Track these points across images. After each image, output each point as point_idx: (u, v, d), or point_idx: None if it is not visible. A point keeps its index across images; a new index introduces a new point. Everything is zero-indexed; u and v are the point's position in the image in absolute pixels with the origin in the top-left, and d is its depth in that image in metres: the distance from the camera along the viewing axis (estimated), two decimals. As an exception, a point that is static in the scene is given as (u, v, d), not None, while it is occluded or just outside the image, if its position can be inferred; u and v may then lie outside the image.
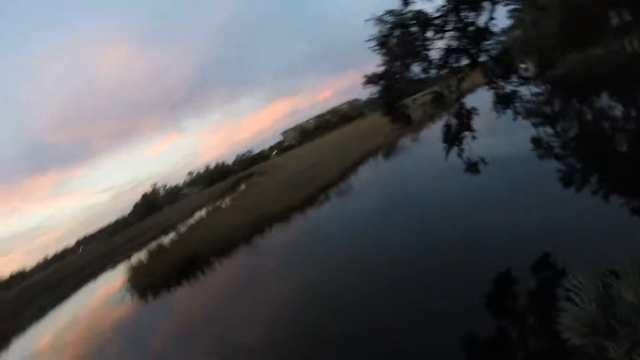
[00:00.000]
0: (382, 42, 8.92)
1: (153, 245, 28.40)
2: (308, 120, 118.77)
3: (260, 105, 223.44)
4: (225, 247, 18.07)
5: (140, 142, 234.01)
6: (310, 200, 20.31)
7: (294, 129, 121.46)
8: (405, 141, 28.26)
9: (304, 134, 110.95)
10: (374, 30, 8.82)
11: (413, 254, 8.71)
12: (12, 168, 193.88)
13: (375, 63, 9.38)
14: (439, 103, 9.89)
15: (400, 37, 8.68)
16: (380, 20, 8.72)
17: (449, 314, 5.89)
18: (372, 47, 9.04)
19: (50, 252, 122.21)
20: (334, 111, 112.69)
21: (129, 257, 34.67)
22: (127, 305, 17.18)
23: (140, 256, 24.91)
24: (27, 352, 19.60)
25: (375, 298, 7.51)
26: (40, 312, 29.58)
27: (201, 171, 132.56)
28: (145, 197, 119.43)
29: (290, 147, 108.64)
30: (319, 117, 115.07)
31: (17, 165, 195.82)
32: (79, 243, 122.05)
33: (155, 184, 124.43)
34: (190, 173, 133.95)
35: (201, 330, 10.26)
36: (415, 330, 5.95)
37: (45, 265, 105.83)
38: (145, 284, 18.12)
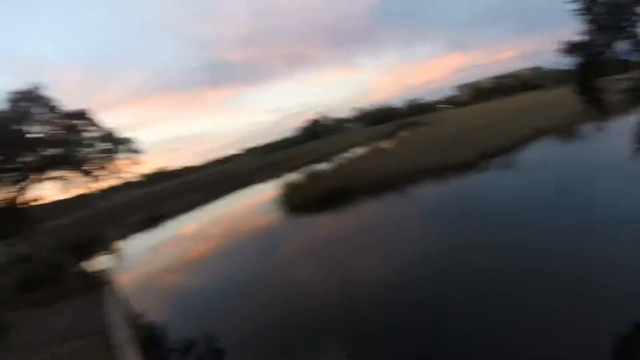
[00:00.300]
0: (588, 6, 7.54)
1: (306, 169, 31.15)
2: (485, 79, 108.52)
3: (437, 53, 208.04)
4: (372, 188, 18.81)
5: (313, 69, 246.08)
6: (470, 164, 19.00)
7: (469, 85, 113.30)
8: (591, 129, 22.30)
9: (479, 93, 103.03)
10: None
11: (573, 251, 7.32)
12: (193, 79, 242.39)
13: (572, 30, 8.05)
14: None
15: (612, 4, 7.15)
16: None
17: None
18: (573, 10, 7.75)
19: (214, 156, 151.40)
20: (513, 75, 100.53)
21: (281, 175, 39.03)
22: (269, 217, 19.86)
23: (291, 177, 27.94)
24: (172, 234, 24.90)
25: (513, 280, 6.79)
26: (188, 205, 36.25)
27: (366, 109, 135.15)
28: (308, 123, 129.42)
29: (462, 104, 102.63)
30: (497, 79, 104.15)
31: (198, 76, 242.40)
32: (239, 154, 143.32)
33: (319, 113, 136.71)
34: (355, 109, 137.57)
35: (328, 256, 11.38)
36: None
37: (208, 166, 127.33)
38: (290, 203, 20.68)
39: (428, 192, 16.63)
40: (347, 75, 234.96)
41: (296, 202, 20.44)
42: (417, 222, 12.71)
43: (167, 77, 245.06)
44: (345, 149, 51.43)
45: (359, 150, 40.96)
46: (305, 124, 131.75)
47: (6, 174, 18.12)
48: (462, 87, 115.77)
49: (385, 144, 39.21)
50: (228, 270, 13.22)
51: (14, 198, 18.66)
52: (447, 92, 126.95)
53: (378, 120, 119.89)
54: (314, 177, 24.87)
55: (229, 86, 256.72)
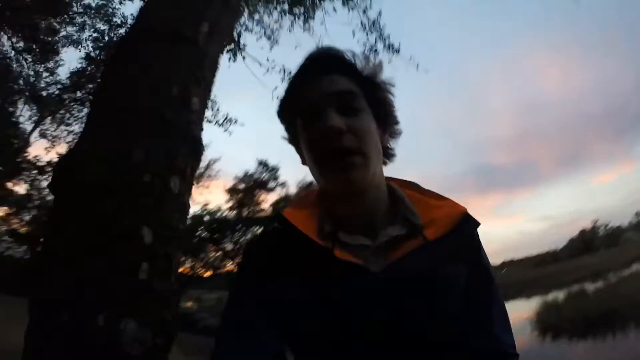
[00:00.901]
0: None
1: (575, 286, 26.80)
2: None
3: None
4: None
5: (587, 169, 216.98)
6: None
7: None
8: None
9: None
10: None
11: None
12: (462, 184, 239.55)
13: None
14: None
15: None
16: None
17: None
18: None
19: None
20: None
21: (547, 292, 33.19)
22: (525, 337, 17.12)
23: (558, 294, 24.39)
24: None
25: None
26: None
27: None
28: (582, 233, 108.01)
29: None
30: None
31: (467, 182, 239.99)
32: (504, 264, 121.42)
33: (596, 221, 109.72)
34: (638, 213, 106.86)
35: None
36: None
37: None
38: (550, 323, 17.73)
39: None
40: (625, 172, 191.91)
41: (556, 322, 17.72)
42: None
43: (435, 182, 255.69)
44: (625, 265, 41.36)
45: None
46: (579, 235, 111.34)
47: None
48: None
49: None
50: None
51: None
52: None
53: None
54: (582, 295, 21.56)
55: (497, 191, 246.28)
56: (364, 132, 0.84)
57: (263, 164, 22.65)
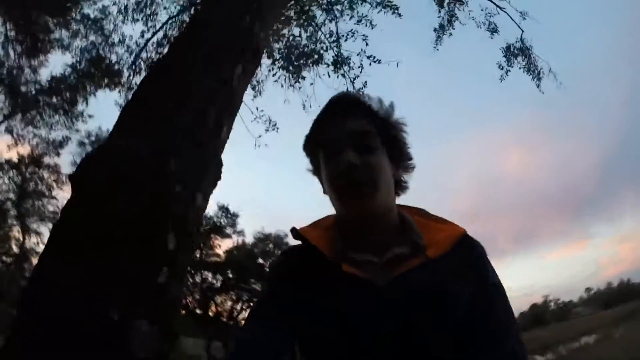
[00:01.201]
0: None
1: None
2: None
3: None
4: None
5: (542, 245, 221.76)
6: None
7: None
8: None
9: None
10: None
11: None
12: None
13: None
14: None
15: None
16: None
17: None
18: None
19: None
20: None
21: None
22: None
23: None
24: None
25: None
26: None
27: (601, 288, 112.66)
28: (533, 307, 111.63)
29: None
30: None
31: None
32: None
33: (547, 296, 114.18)
34: (588, 289, 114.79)
35: None
36: None
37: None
38: None
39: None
40: (576, 250, 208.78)
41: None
42: None
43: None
44: (573, 338, 42.58)
45: (589, 339, 34.93)
46: (530, 309, 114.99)
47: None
48: None
49: (621, 331, 30.56)
50: None
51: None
52: None
53: (614, 300, 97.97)
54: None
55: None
56: (375, 167, 0.96)
57: (223, 208, 22.04)
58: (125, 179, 2.00)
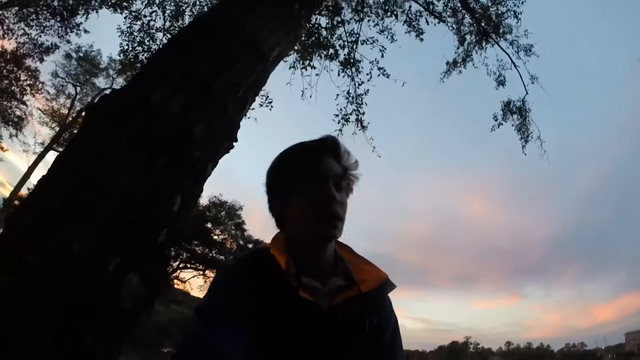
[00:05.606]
0: None
1: None
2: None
3: (612, 293, 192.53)
4: None
5: (474, 292, 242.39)
6: None
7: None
8: None
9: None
10: None
11: None
12: None
13: None
14: None
15: None
16: None
17: None
18: None
19: None
20: None
21: None
22: None
23: None
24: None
25: None
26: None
27: (521, 346, 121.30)
28: (453, 344, 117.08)
29: (631, 355, 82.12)
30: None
31: None
32: None
33: (468, 338, 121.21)
34: (508, 342, 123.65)
35: None
36: None
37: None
38: None
39: None
40: (508, 305, 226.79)
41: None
42: None
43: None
44: None
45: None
46: (450, 343, 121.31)
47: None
48: (634, 335, 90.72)
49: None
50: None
51: None
52: (616, 339, 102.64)
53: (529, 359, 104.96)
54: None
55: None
56: (345, 206, 1.21)
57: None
58: (149, 131, 1.96)
